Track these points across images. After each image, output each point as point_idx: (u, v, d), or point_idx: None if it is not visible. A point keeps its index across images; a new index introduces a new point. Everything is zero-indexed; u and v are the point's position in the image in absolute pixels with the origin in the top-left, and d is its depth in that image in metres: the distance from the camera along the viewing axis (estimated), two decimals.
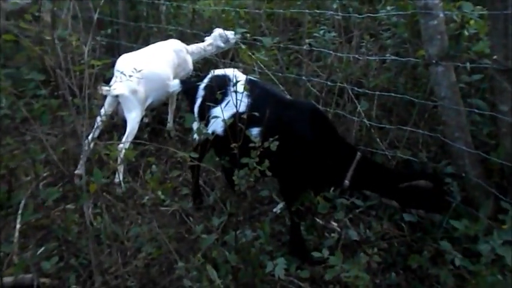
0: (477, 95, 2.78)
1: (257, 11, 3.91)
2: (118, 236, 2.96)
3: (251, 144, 1.98)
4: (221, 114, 2.42)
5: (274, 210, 3.14)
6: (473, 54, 2.74)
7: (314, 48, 3.26)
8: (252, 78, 2.78)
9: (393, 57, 3.04)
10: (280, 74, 3.46)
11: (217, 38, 4.26)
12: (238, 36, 4.21)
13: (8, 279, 2.58)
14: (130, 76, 3.13)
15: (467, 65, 2.55)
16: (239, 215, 3.09)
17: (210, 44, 4.29)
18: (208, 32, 4.41)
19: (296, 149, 2.43)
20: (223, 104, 2.50)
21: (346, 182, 2.39)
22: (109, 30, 4.90)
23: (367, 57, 2.98)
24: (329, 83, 3.19)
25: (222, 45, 4.24)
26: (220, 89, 2.47)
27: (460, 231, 2.15)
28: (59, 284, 2.62)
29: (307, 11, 3.30)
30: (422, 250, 2.51)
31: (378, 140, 3.10)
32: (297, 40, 4.02)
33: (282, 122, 2.46)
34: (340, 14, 3.23)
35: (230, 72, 2.79)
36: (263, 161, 2.11)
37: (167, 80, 3.88)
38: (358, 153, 2.42)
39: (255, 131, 2.42)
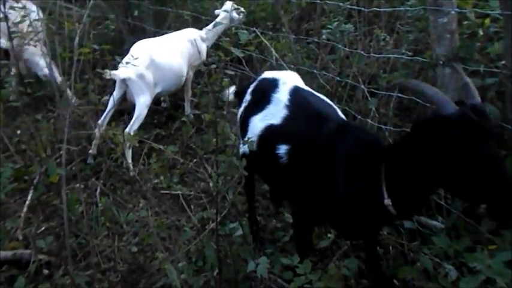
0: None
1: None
2: (118, 220, 3.04)
3: (228, 142, 1.93)
4: (255, 126, 2.11)
5: None
6: (493, 56, 2.52)
7: (326, 41, 3.13)
8: (301, 86, 2.31)
9: (396, 56, 2.85)
10: (293, 66, 3.36)
11: (230, 9, 4.06)
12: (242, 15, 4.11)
13: (8, 253, 2.71)
14: (136, 60, 3.16)
15: (481, 68, 2.34)
16: (238, 207, 3.10)
17: (225, 18, 4.08)
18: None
19: (324, 181, 1.89)
20: (260, 114, 2.15)
21: (387, 201, 1.70)
22: (136, 12, 4.94)
23: (372, 55, 2.80)
24: (336, 77, 3.05)
25: (236, 16, 4.08)
26: (264, 95, 2.20)
27: (439, 250, 2.01)
28: (56, 261, 2.71)
29: (318, 1, 3.15)
30: (416, 261, 2.39)
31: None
32: (313, 31, 3.88)
33: (315, 143, 1.94)
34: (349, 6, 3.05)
35: (281, 75, 2.39)
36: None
37: (179, 71, 3.85)
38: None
39: (282, 149, 1.99)
